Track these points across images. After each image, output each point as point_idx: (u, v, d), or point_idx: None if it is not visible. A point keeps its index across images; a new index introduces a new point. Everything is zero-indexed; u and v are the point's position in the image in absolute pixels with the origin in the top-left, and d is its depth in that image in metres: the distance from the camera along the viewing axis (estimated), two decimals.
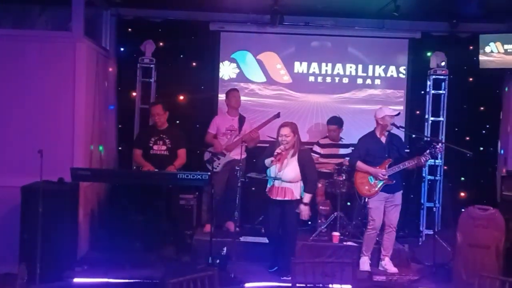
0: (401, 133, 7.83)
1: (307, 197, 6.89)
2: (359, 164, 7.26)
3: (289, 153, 6.82)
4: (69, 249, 7.05)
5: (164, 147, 7.59)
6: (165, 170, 7.33)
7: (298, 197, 6.86)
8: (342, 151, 8.52)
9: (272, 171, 6.79)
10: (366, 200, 7.31)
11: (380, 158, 7.21)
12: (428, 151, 7.11)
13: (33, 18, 8.24)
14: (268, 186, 6.90)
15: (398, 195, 7.29)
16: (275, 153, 6.70)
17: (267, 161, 6.81)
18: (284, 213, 6.85)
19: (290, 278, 6.53)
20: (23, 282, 6.06)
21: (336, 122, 8.50)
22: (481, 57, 8.57)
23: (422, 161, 7.12)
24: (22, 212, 6.70)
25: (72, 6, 7.50)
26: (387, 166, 7.14)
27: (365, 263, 7.32)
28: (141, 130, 8.44)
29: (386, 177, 7.12)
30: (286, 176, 6.76)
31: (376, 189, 7.17)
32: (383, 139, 7.26)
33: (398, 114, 7.37)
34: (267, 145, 7.55)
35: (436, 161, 7.91)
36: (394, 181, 7.16)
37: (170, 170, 7.36)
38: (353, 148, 7.82)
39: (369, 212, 7.30)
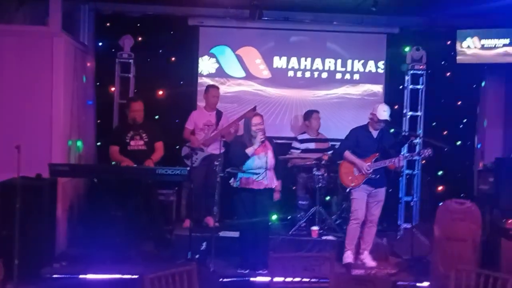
0: None
1: (279, 184, 7.09)
2: (347, 153, 7.25)
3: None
4: (48, 245, 7.02)
5: (141, 142, 7.55)
6: (143, 165, 7.31)
7: (272, 185, 6.95)
8: (321, 145, 8.56)
9: (256, 161, 6.83)
10: (348, 190, 7.29)
11: (368, 151, 7.21)
12: (404, 150, 7.18)
13: (10, 13, 8.15)
14: (244, 177, 6.88)
15: (382, 191, 7.31)
16: (261, 140, 6.77)
17: (250, 150, 6.83)
18: (258, 202, 6.86)
19: (266, 271, 6.63)
20: (1, 279, 6.02)
21: (314, 110, 8.63)
22: (459, 52, 8.64)
23: (400, 163, 7.20)
24: None
25: (49, 0, 7.46)
26: (373, 160, 7.17)
27: (348, 257, 7.26)
28: (116, 127, 8.37)
29: (370, 171, 7.14)
30: (270, 163, 6.85)
31: (359, 181, 7.17)
32: (375, 134, 7.27)
33: (388, 120, 7.34)
34: None
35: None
36: (378, 176, 7.20)
37: (148, 164, 7.33)
38: (333, 143, 7.86)
39: (352, 203, 7.28)
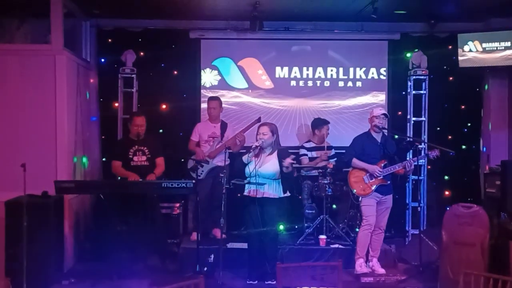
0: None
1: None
2: (355, 161, 7.23)
3: (266, 152, 6.88)
4: (56, 262, 7.03)
5: (144, 158, 7.54)
6: (146, 179, 7.32)
7: (278, 196, 6.88)
8: (323, 153, 8.55)
9: (251, 168, 6.83)
10: (360, 199, 7.29)
11: (374, 158, 7.21)
12: (410, 156, 7.17)
13: (12, 32, 8.22)
14: (247, 189, 6.92)
15: (390, 198, 7.31)
16: (252, 147, 6.79)
17: (245, 157, 6.89)
18: (265, 212, 6.83)
19: (274, 282, 6.61)
20: None
21: (326, 121, 8.61)
22: (460, 56, 8.65)
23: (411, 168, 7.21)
24: (6, 227, 6.67)
25: (51, 18, 7.50)
26: (382, 166, 7.16)
27: (362, 266, 7.24)
28: (118, 142, 8.36)
29: (381, 176, 7.13)
30: (264, 171, 6.79)
31: (371, 189, 7.16)
32: (378, 139, 7.27)
33: (385, 115, 7.30)
34: None
35: (420, 161, 7.95)
36: (389, 182, 7.21)
37: (150, 178, 7.34)
38: (337, 151, 7.85)
39: (362, 210, 7.26)
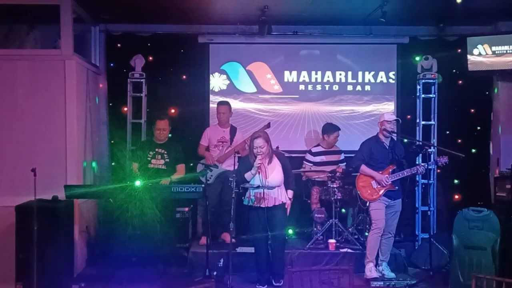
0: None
1: (290, 193, 7.02)
2: (364, 167, 7.22)
3: (266, 161, 6.87)
4: (66, 266, 7.03)
5: (162, 161, 7.58)
6: (159, 183, 7.29)
7: (285, 200, 6.92)
8: (334, 157, 8.54)
9: (257, 181, 6.82)
10: (368, 204, 7.28)
11: (383, 163, 7.20)
12: (419, 160, 7.15)
13: (21, 37, 8.24)
14: (251, 195, 6.90)
15: (399, 202, 7.30)
16: (257, 165, 6.75)
17: (248, 175, 6.84)
18: (273, 217, 6.84)
19: (281, 283, 6.62)
20: None
21: (337, 128, 8.57)
22: (470, 60, 8.61)
23: (421, 170, 7.18)
24: (17, 232, 6.66)
25: (60, 23, 7.54)
26: (390, 171, 7.15)
27: (372, 270, 7.20)
28: (141, 143, 8.32)
29: (390, 183, 7.12)
30: (273, 182, 6.80)
31: (379, 194, 7.15)
32: (387, 144, 7.26)
33: (398, 121, 7.32)
34: None
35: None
36: (397, 187, 7.18)
37: (165, 182, 7.34)
38: (346, 155, 7.83)
39: (371, 214, 7.24)
